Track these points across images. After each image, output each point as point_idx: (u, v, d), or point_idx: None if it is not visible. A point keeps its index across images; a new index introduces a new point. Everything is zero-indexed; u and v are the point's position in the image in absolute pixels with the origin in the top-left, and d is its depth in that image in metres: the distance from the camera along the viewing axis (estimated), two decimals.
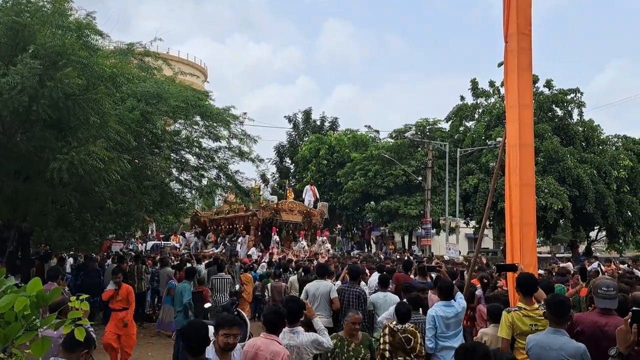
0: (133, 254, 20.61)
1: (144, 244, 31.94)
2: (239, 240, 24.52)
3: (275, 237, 24.39)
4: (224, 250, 24.11)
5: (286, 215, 25.89)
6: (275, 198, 27.05)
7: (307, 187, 30.45)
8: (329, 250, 25.43)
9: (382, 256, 26.08)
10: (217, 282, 12.51)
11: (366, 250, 36.80)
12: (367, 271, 12.16)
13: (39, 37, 8.73)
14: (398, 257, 25.55)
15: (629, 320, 3.34)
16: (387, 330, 6.36)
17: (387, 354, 6.21)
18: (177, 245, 30.44)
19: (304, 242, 25.10)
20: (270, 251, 22.96)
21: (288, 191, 29.15)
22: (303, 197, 29.66)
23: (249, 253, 22.51)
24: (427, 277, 10.01)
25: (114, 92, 9.86)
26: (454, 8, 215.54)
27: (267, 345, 4.82)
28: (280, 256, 21.10)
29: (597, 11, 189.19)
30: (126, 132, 9.81)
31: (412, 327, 6.34)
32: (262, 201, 24.76)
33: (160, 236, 36.23)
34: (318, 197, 30.89)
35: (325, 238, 26.61)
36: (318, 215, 27.94)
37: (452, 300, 6.65)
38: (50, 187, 9.58)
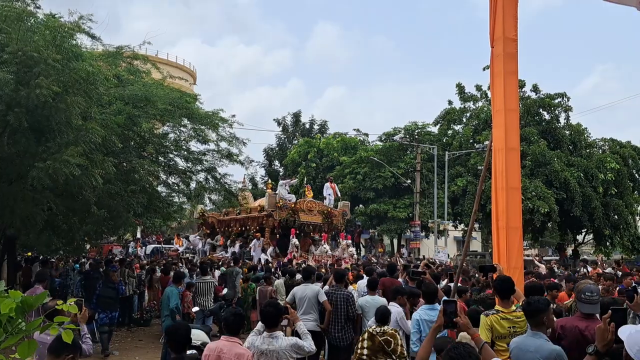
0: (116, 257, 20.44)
1: (144, 248, 30.24)
2: (253, 243, 22.26)
3: (295, 241, 21.76)
4: (235, 255, 21.99)
5: (304, 215, 23.35)
6: (293, 197, 24.30)
7: (327, 184, 27.58)
8: (353, 254, 22.94)
9: (373, 259, 25.52)
10: (201, 286, 12.52)
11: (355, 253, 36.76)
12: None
13: (12, 43, 8.67)
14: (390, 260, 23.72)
15: (608, 319, 3.39)
16: (366, 335, 6.45)
17: (364, 357, 6.28)
18: (180, 248, 28.56)
19: (327, 246, 22.52)
20: (288, 256, 20.68)
21: (307, 189, 26.45)
22: (324, 195, 26.97)
23: (266, 257, 20.53)
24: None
25: (93, 94, 9.77)
26: (444, 10, 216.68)
27: (229, 347, 4.82)
28: (300, 261, 19.21)
29: (580, 16, 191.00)
30: (111, 134, 9.76)
31: (391, 329, 6.45)
32: (279, 200, 22.54)
33: (161, 239, 34.97)
34: (339, 195, 28.13)
35: (349, 241, 24.16)
36: (339, 215, 25.10)
37: (437, 304, 6.70)
38: (34, 191, 9.53)
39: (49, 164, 8.47)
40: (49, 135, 9.38)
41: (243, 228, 24.39)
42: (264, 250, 21.44)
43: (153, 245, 31.23)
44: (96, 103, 10.17)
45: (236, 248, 23.11)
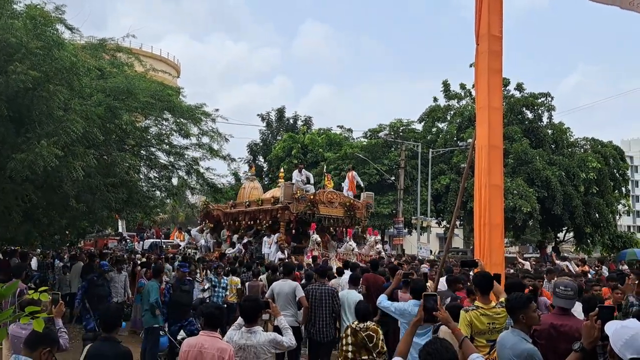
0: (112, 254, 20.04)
1: (141, 243, 28.85)
2: (265, 239, 19.91)
3: (315, 237, 18.95)
4: (243, 252, 20.19)
5: (324, 208, 20.56)
6: (311, 188, 21.51)
7: (348, 174, 24.55)
8: (380, 252, 20.31)
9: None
10: None
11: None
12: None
13: None
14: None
15: (595, 316, 3.40)
16: (349, 331, 6.47)
17: (349, 354, 6.30)
18: (181, 243, 26.72)
19: (353, 243, 20.01)
20: (309, 255, 17.93)
21: (326, 178, 23.44)
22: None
23: (283, 256, 17.88)
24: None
25: (75, 84, 9.63)
26: (430, 11, 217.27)
27: (211, 342, 4.79)
28: (322, 260, 16.70)
29: (563, 18, 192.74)
30: (92, 126, 9.64)
31: (373, 325, 6.48)
32: (297, 191, 20.06)
33: (160, 233, 33.52)
34: (362, 184, 25.04)
35: (378, 237, 21.59)
36: (363, 208, 22.13)
37: None
38: (13, 183, 9.39)
39: (25, 155, 8.34)
40: (29, 126, 9.24)
41: (253, 222, 21.82)
42: (281, 249, 18.84)
43: (151, 240, 29.43)
44: (78, 95, 10.03)
45: (237, 246, 21.18)
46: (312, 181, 21.91)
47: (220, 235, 23.46)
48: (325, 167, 30.33)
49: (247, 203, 21.92)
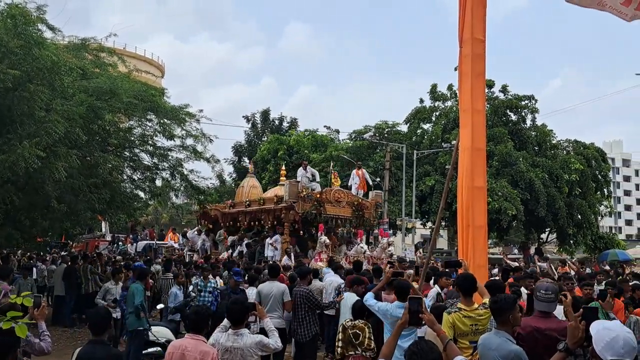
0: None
1: (134, 245, 27.48)
2: (268, 241, 18.65)
3: (324, 239, 17.46)
4: (245, 255, 19.06)
5: (331, 208, 19.28)
6: (317, 186, 20.19)
7: (354, 171, 22.90)
8: (391, 254, 18.60)
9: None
10: (165, 283, 12.45)
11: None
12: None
13: None
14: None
15: (580, 317, 3.44)
16: (340, 328, 6.63)
17: (339, 350, 6.45)
18: (175, 245, 25.42)
19: (364, 246, 18.79)
20: (317, 258, 16.92)
21: (333, 176, 22.27)
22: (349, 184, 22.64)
23: (288, 262, 15.77)
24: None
25: (57, 84, 9.54)
26: (419, 13, 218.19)
27: (194, 345, 4.81)
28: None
29: (549, 21, 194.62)
30: (74, 127, 9.56)
31: (361, 322, 6.58)
32: (303, 190, 18.73)
33: (154, 234, 31.88)
34: (371, 183, 23.66)
35: (391, 239, 20.08)
36: (372, 207, 20.80)
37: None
38: None
39: (7, 156, 8.25)
40: (10, 127, 9.14)
41: (254, 222, 20.48)
42: (287, 253, 17.34)
43: (145, 242, 27.85)
44: (60, 95, 9.94)
45: (237, 248, 20.24)
46: (317, 179, 20.91)
47: (217, 236, 22.33)
48: (331, 164, 28.83)
49: (248, 202, 20.67)
